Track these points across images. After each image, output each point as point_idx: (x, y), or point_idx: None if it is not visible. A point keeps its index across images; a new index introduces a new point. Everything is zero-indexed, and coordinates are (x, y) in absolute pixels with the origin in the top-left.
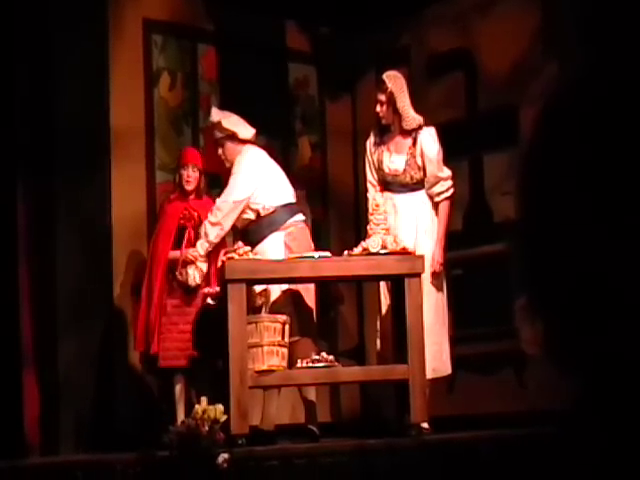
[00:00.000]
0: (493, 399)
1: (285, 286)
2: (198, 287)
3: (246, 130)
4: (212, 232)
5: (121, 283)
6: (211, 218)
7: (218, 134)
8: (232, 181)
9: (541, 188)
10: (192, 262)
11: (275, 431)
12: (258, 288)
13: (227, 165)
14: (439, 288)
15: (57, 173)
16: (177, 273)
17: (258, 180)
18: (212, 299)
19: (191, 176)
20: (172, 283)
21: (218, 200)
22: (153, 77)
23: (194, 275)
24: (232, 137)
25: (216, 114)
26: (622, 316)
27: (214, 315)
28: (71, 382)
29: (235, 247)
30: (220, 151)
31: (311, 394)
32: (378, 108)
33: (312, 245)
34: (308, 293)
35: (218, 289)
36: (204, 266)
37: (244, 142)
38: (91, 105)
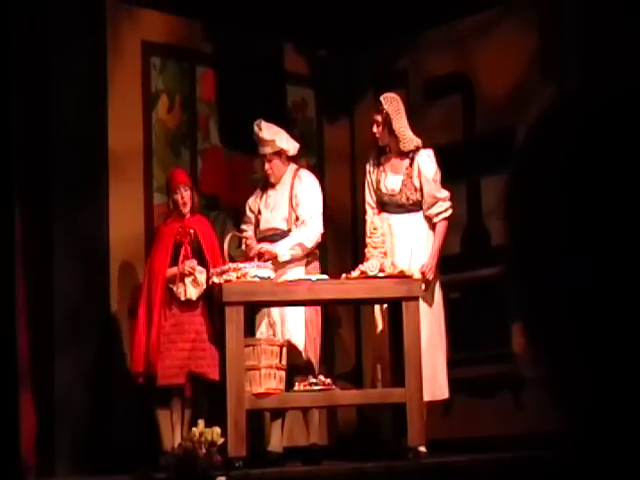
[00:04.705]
0: (491, 422)
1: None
2: (194, 302)
3: (294, 147)
4: (313, 241)
5: (118, 303)
6: (310, 235)
7: (268, 150)
8: (312, 197)
9: (531, 211)
10: (189, 274)
11: (284, 453)
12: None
13: (272, 180)
14: (434, 312)
15: (55, 193)
16: (174, 287)
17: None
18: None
19: (185, 197)
20: (170, 301)
21: (309, 212)
22: (151, 99)
23: (190, 289)
24: (280, 154)
25: (267, 131)
26: (618, 338)
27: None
28: (68, 403)
29: (226, 268)
30: (267, 166)
31: (315, 415)
32: (374, 129)
33: None
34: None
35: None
36: (202, 278)
37: (291, 159)
38: (89, 126)
